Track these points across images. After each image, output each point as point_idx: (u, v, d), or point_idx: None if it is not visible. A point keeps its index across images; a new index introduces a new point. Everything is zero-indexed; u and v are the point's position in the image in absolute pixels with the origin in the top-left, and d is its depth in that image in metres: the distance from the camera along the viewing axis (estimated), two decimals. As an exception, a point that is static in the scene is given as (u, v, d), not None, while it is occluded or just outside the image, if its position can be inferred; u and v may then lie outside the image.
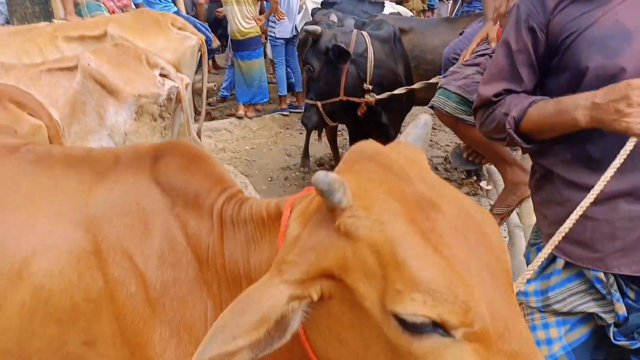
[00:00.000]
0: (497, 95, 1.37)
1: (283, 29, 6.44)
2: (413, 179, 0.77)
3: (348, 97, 3.25)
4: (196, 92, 5.17)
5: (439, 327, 0.69)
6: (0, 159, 1.25)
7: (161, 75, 3.03)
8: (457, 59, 2.87)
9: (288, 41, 6.66)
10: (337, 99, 3.26)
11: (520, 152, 2.51)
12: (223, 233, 1.09)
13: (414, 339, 0.71)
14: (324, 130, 4.61)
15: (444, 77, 2.45)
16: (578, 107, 1.17)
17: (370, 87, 3.23)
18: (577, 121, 1.18)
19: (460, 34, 3.17)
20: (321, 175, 0.71)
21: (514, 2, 1.48)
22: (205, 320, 1.09)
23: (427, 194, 0.76)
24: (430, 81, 2.95)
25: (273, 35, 6.53)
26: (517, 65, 1.36)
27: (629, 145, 1.16)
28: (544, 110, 1.25)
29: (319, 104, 3.31)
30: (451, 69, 2.44)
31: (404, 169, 0.78)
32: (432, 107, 2.38)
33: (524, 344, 0.72)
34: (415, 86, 3.13)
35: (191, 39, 3.67)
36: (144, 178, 1.14)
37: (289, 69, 6.85)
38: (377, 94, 3.22)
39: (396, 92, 3.15)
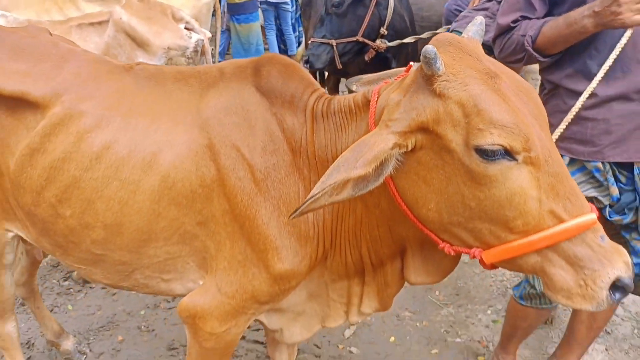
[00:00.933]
0: (514, 21, 1.67)
1: None
2: (481, 58, 1.08)
3: (364, 38, 3.30)
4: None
5: (507, 154, 0.98)
6: (119, 75, 1.50)
7: (186, 29, 3.26)
8: (458, 11, 3.16)
9: (278, 6, 6.81)
10: (353, 39, 3.27)
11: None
12: (314, 126, 1.35)
13: (489, 164, 1.00)
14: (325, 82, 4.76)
15: (455, 22, 2.74)
16: (583, 17, 1.48)
17: (386, 32, 3.33)
18: (585, 28, 1.49)
19: None
20: (430, 47, 0.99)
21: None
22: (298, 198, 1.37)
23: (492, 68, 1.04)
24: (438, 31, 3.17)
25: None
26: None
27: (624, 39, 1.47)
28: (555, 26, 1.54)
29: (333, 42, 3.27)
30: (462, 14, 2.73)
31: (475, 51, 1.08)
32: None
33: (562, 168, 1.03)
34: (423, 36, 3.28)
35: (207, -5, 3.86)
36: (247, 85, 1.40)
37: (279, 34, 7.05)
38: (388, 41, 3.35)
39: (406, 40, 3.29)
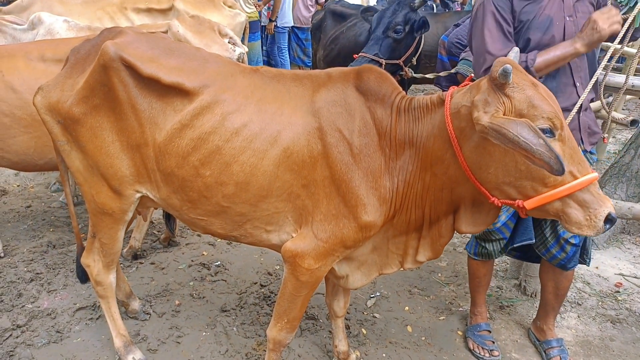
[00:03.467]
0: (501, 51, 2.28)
1: (284, 17, 7.25)
2: (526, 73, 1.63)
3: (404, 64, 3.81)
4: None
5: (549, 132, 1.52)
6: (249, 74, 1.98)
7: (230, 43, 3.75)
8: (460, 43, 3.80)
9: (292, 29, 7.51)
10: (396, 62, 3.76)
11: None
12: (397, 117, 1.85)
13: None
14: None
15: (464, 52, 3.37)
16: (575, 43, 2.13)
17: (415, 63, 3.88)
18: (578, 50, 2.13)
19: (456, 25, 4.10)
20: (508, 66, 1.50)
21: None
22: (380, 170, 1.85)
23: (533, 80, 1.60)
24: (451, 71, 3.57)
25: (276, 23, 7.28)
26: (507, 34, 2.28)
27: (609, 53, 2.15)
28: (550, 54, 2.16)
29: (383, 61, 3.68)
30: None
31: (522, 69, 1.64)
32: (456, 73, 3.30)
33: (575, 144, 1.58)
34: (442, 74, 3.72)
35: (241, 16, 4.36)
36: (350, 85, 1.89)
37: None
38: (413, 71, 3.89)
39: (428, 75, 3.79)
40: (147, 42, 2.00)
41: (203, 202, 1.96)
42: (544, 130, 1.52)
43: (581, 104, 2.23)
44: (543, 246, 2.51)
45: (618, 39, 2.18)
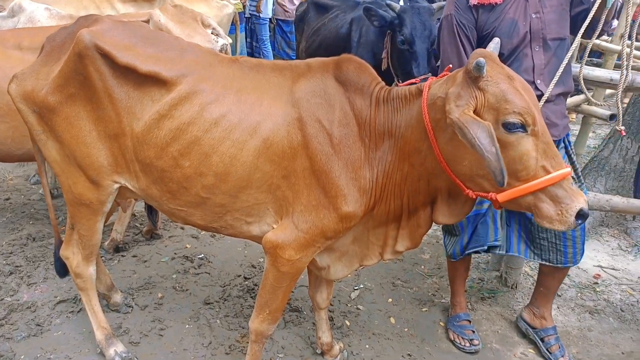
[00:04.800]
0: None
1: (266, 9, 7.19)
2: (504, 66, 1.62)
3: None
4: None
5: (521, 127, 1.53)
6: (228, 64, 1.96)
7: (213, 34, 3.71)
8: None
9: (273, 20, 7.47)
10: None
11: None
12: (376, 108, 1.85)
13: (510, 134, 1.53)
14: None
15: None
16: None
17: None
18: None
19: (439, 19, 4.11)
20: (481, 59, 1.51)
21: None
22: (360, 160, 1.85)
23: (510, 73, 1.60)
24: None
25: (257, 14, 7.22)
26: (464, 52, 2.32)
27: (565, 60, 2.18)
28: None
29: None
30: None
31: (498, 61, 1.63)
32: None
33: (549, 139, 1.58)
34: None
35: (228, 7, 4.31)
36: (329, 75, 1.88)
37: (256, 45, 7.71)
38: None
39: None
40: (123, 31, 1.97)
41: (182, 192, 1.95)
42: (515, 125, 1.53)
43: (541, 96, 2.24)
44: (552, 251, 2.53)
45: (582, 32, 2.19)
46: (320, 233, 1.90)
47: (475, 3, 2.29)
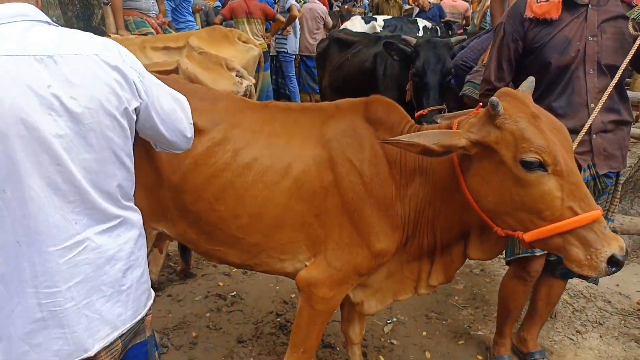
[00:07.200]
0: (493, 80, 2.33)
1: (293, 45, 7.40)
2: (529, 105, 1.61)
3: None
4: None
5: (541, 166, 1.51)
6: (258, 109, 2.05)
7: (237, 76, 3.85)
8: (465, 65, 3.84)
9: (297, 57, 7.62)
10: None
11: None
12: None
13: (529, 172, 1.50)
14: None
15: (469, 75, 3.41)
16: None
17: None
18: None
19: (462, 47, 4.15)
20: (494, 98, 1.53)
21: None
22: (391, 198, 1.87)
23: (535, 112, 1.58)
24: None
25: (285, 51, 7.43)
26: (504, 67, 2.34)
27: (610, 88, 2.07)
28: None
29: (444, 106, 3.61)
30: (475, 68, 3.40)
31: (524, 100, 1.61)
32: (462, 95, 3.33)
33: (578, 179, 1.52)
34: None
35: (254, 50, 4.49)
36: (358, 116, 1.93)
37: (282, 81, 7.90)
38: None
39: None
40: None
41: (218, 234, 2.00)
42: (532, 163, 1.51)
43: (590, 126, 2.15)
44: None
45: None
46: (354, 270, 1.92)
47: (531, 16, 2.27)
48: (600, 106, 2.10)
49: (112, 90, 1.21)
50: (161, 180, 2.01)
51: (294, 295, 3.42)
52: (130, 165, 1.33)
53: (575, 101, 2.23)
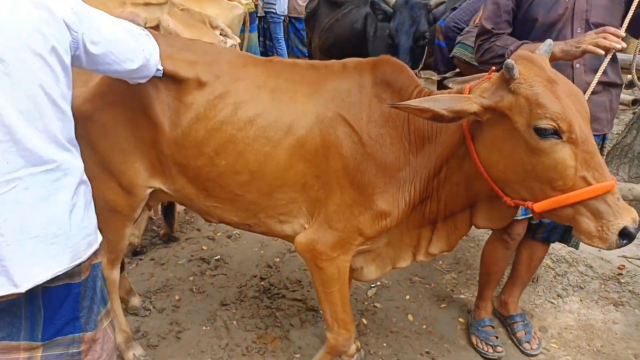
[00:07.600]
0: (492, 29, 2.24)
1: (282, 6, 7.18)
2: (545, 68, 1.53)
3: None
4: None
5: (555, 134, 1.41)
6: (262, 64, 1.97)
7: (221, 35, 3.72)
8: (456, 27, 3.74)
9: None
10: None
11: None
12: None
13: (542, 139, 1.43)
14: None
15: (460, 36, 3.32)
16: (556, 46, 1.97)
17: None
18: (555, 54, 1.96)
19: (453, 9, 4.03)
20: (510, 61, 1.44)
21: None
22: (398, 161, 1.81)
23: (552, 76, 1.50)
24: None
25: (273, 11, 7.22)
26: (502, 16, 2.26)
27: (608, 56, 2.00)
28: (533, 47, 1.96)
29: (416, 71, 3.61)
30: (466, 29, 3.31)
31: (541, 64, 1.53)
32: (452, 57, 3.25)
33: (594, 148, 1.45)
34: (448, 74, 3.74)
35: (239, 8, 4.33)
36: (366, 75, 1.85)
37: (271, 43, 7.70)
38: None
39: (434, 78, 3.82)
40: (164, 40, 1.95)
41: (218, 190, 1.96)
42: (547, 130, 1.45)
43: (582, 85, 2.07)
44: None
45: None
46: (356, 230, 1.89)
47: None
48: (603, 67, 2.04)
49: (37, 29, 1.21)
50: (161, 135, 1.93)
51: (278, 259, 3.41)
52: (66, 107, 1.33)
53: (559, 62, 2.16)
